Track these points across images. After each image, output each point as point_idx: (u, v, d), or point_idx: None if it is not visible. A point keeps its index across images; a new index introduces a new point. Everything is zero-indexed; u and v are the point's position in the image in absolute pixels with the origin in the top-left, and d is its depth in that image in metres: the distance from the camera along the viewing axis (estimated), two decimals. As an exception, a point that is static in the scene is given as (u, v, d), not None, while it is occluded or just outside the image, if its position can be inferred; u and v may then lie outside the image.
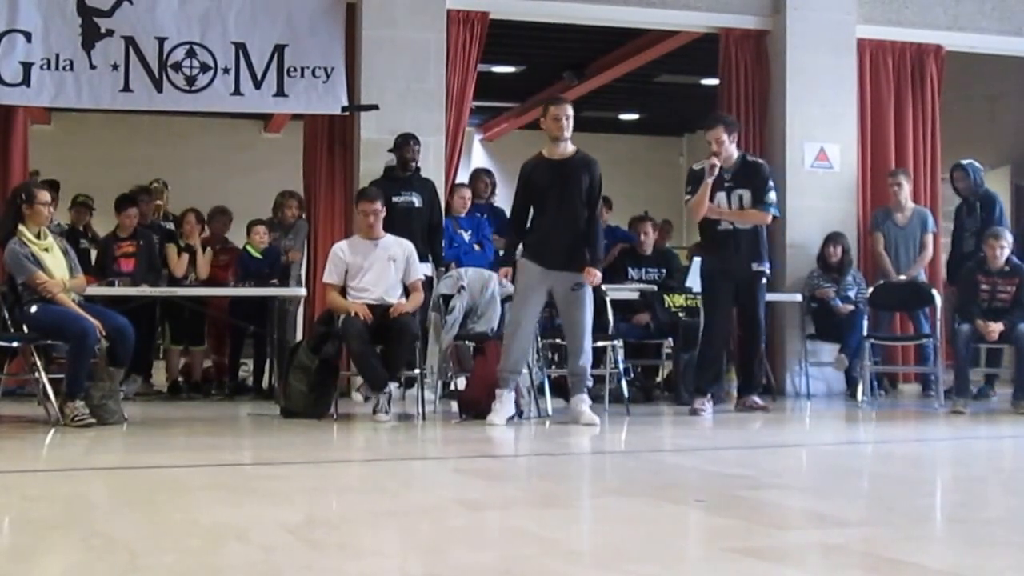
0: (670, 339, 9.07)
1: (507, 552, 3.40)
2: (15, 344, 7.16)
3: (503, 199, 9.52)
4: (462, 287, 7.98)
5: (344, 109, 9.23)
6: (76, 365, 6.78)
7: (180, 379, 9.46)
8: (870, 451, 6.70)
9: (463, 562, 3.23)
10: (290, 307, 9.40)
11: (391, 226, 7.79)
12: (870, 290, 9.31)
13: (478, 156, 17.19)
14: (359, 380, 7.87)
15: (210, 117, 13.94)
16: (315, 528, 3.77)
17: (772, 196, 8.00)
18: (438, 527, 3.83)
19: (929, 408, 8.76)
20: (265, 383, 9.41)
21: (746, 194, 7.93)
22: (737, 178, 7.96)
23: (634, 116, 17.59)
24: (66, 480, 5.17)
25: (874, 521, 4.03)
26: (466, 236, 9.27)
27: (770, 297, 9.71)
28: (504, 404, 7.10)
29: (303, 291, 9.12)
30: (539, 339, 7.69)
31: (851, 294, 9.45)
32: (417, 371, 7.63)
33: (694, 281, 9.29)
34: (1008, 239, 8.49)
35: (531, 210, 7.34)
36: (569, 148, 7.31)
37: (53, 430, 6.61)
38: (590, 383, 7.36)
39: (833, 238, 9.59)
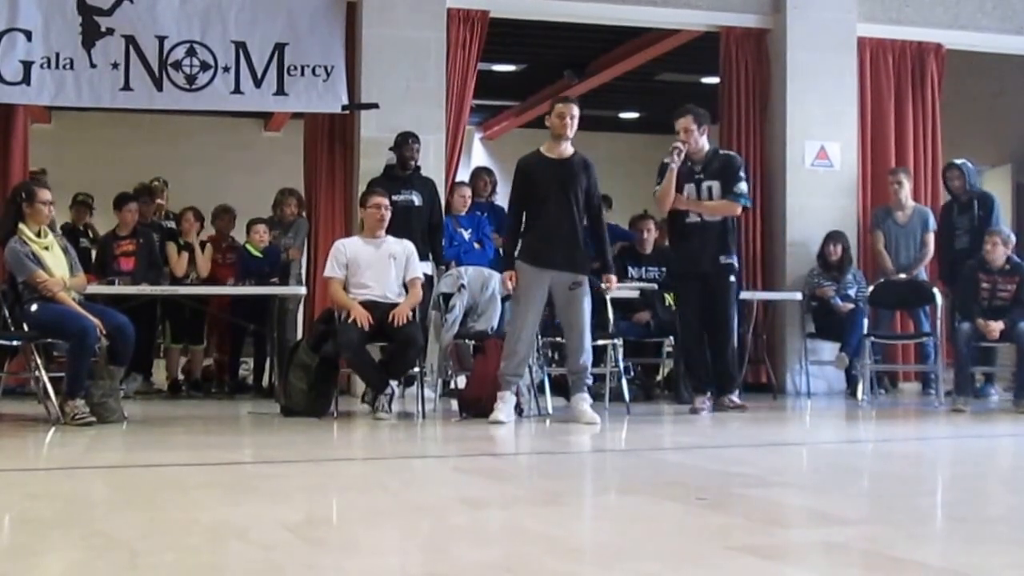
0: (670, 338, 9.06)
1: (508, 550, 3.40)
2: (15, 343, 7.16)
3: (503, 198, 9.51)
4: (462, 286, 7.98)
5: (344, 108, 9.23)
6: (76, 364, 6.78)
7: (180, 378, 9.47)
8: (871, 449, 6.70)
9: (464, 560, 3.22)
10: (290, 306, 9.40)
11: (391, 224, 7.79)
12: (870, 289, 9.31)
13: (478, 155, 17.19)
14: (361, 386, 7.85)
15: (210, 116, 13.93)
16: (315, 526, 3.77)
17: (743, 187, 7.91)
18: (439, 525, 3.83)
19: (929, 406, 8.76)
20: (265, 382, 9.43)
21: (715, 185, 7.86)
22: (708, 170, 7.89)
23: (634, 115, 17.58)
24: (66, 479, 5.17)
25: (875, 519, 4.03)
26: (466, 235, 9.27)
27: (770, 296, 9.77)
28: (507, 403, 7.10)
29: (303, 290, 9.12)
30: (539, 338, 7.68)
31: (851, 293, 9.45)
32: (417, 370, 7.62)
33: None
34: (1010, 238, 8.48)
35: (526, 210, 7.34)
36: (568, 148, 7.31)
37: (53, 428, 6.61)
38: (590, 381, 7.36)
39: (833, 237, 9.59)
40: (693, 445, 6.51)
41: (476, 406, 7.34)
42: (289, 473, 5.26)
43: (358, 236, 7.81)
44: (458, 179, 9.67)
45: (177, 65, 8.97)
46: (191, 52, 9.00)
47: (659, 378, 9.77)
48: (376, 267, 7.56)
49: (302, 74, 9.18)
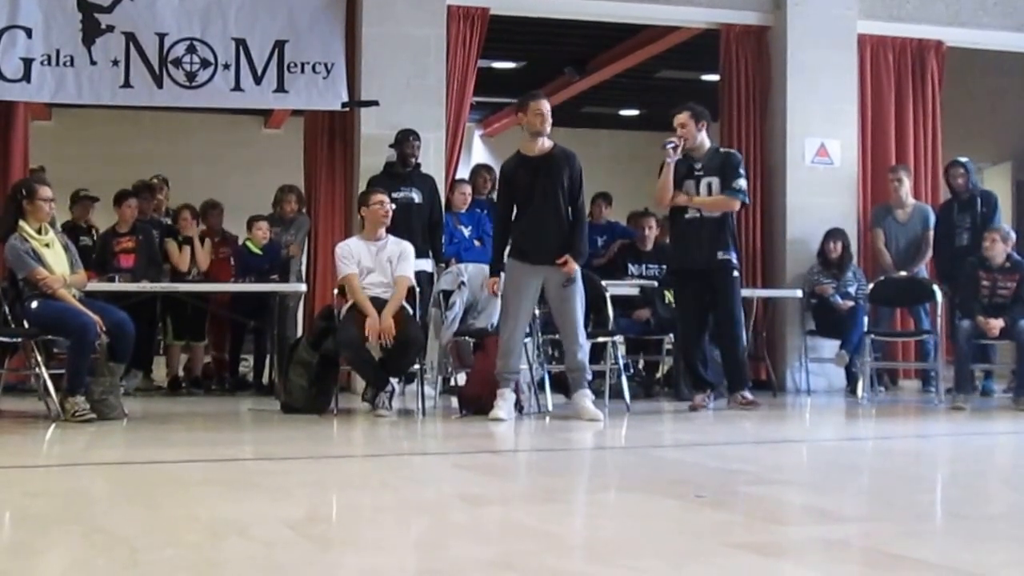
0: (670, 335, 9.07)
1: (508, 547, 3.40)
2: (16, 340, 7.16)
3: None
4: (462, 283, 7.98)
5: (344, 105, 9.24)
6: (77, 361, 6.79)
7: (181, 375, 9.48)
8: (870, 447, 6.70)
9: (463, 557, 3.23)
10: (290, 303, 9.40)
11: (391, 222, 7.78)
12: (870, 286, 9.30)
13: (478, 152, 17.18)
14: (362, 383, 7.85)
15: (210, 113, 13.94)
16: (315, 523, 3.77)
17: (741, 183, 7.88)
18: (438, 522, 3.83)
19: (929, 404, 8.77)
20: (265, 379, 9.43)
21: (715, 182, 7.83)
22: (708, 167, 7.87)
23: (635, 112, 17.58)
24: (66, 475, 5.18)
25: (875, 517, 4.03)
26: (466, 232, 9.27)
27: (770, 293, 9.77)
28: (507, 400, 7.10)
29: (303, 287, 9.11)
30: (539, 335, 7.69)
31: (851, 290, 9.46)
32: (417, 367, 7.63)
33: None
34: (1009, 235, 8.47)
35: (515, 209, 7.33)
36: (547, 143, 7.28)
37: (53, 425, 6.62)
38: (590, 377, 7.36)
39: (833, 234, 9.59)
40: (693, 442, 6.51)
41: (476, 403, 7.34)
42: (289, 470, 5.26)
43: (358, 238, 7.77)
44: (458, 177, 9.67)
45: (177, 62, 8.97)
46: (191, 49, 9.00)
47: (659, 375, 9.78)
48: (377, 271, 7.55)
49: (302, 71, 9.19)
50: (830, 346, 9.59)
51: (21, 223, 6.99)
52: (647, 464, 5.58)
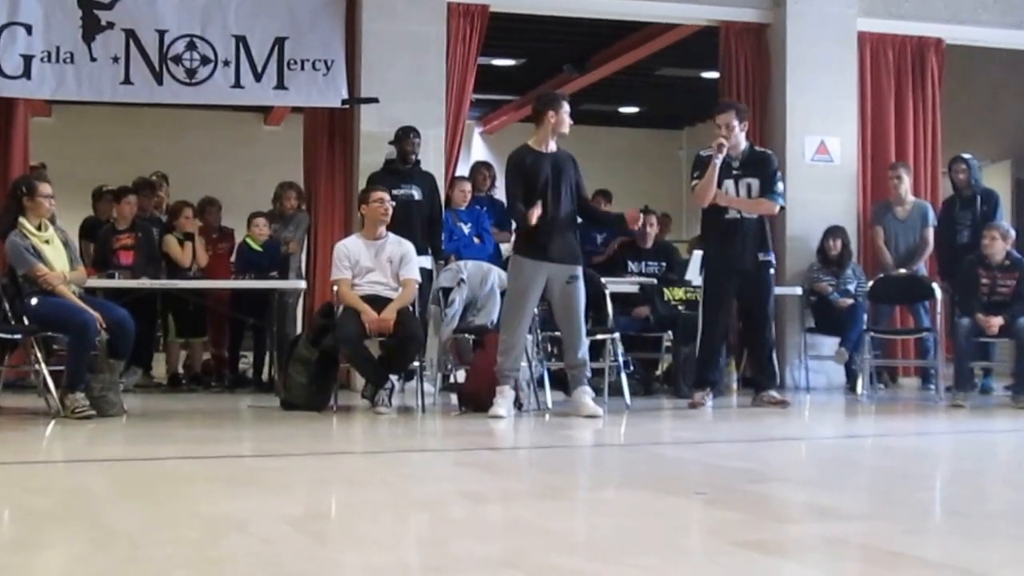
0: (670, 332, 9.07)
1: (508, 544, 3.40)
2: (16, 336, 7.16)
3: (503, 192, 9.52)
4: (462, 280, 7.98)
5: (344, 102, 9.23)
6: (76, 357, 6.79)
7: (180, 371, 9.48)
8: (870, 444, 6.70)
9: (463, 554, 3.23)
10: (290, 299, 9.40)
11: (391, 219, 7.78)
12: (870, 284, 9.30)
13: (478, 149, 17.19)
14: (361, 380, 7.85)
15: (210, 110, 13.92)
16: (315, 520, 3.78)
17: (781, 186, 7.95)
18: (438, 519, 3.83)
19: (929, 402, 8.77)
20: (265, 375, 9.43)
21: (754, 183, 7.85)
22: (746, 167, 7.88)
23: (634, 109, 17.58)
24: (66, 472, 5.18)
25: (874, 514, 4.04)
26: (466, 229, 9.27)
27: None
28: (506, 398, 7.10)
29: (303, 284, 9.12)
30: (539, 332, 7.69)
31: (851, 288, 9.46)
32: (417, 364, 7.63)
33: (694, 274, 9.28)
34: (1009, 232, 8.47)
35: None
36: (554, 144, 7.32)
37: (53, 422, 6.63)
38: (590, 374, 7.36)
39: (833, 231, 9.59)
40: (693, 440, 6.52)
41: (475, 400, 7.34)
42: (289, 467, 5.27)
43: (358, 236, 7.76)
44: (458, 173, 9.67)
45: (177, 59, 8.97)
46: (191, 46, 9.00)
47: (658, 372, 9.77)
48: (377, 270, 7.55)
49: (302, 68, 9.18)
50: (830, 343, 9.59)
51: (21, 219, 7.00)
52: (647, 461, 5.59)
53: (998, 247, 8.34)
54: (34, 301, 6.92)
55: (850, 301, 9.36)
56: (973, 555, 3.25)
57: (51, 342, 7.29)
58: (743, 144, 7.96)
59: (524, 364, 7.43)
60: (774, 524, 3.76)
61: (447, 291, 8.00)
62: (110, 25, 8.87)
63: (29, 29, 8.78)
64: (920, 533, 3.63)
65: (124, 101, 9.72)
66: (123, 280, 8.62)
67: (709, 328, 7.98)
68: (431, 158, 9.14)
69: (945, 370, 8.72)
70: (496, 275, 7.97)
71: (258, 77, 9.15)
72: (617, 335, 8.03)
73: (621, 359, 8.08)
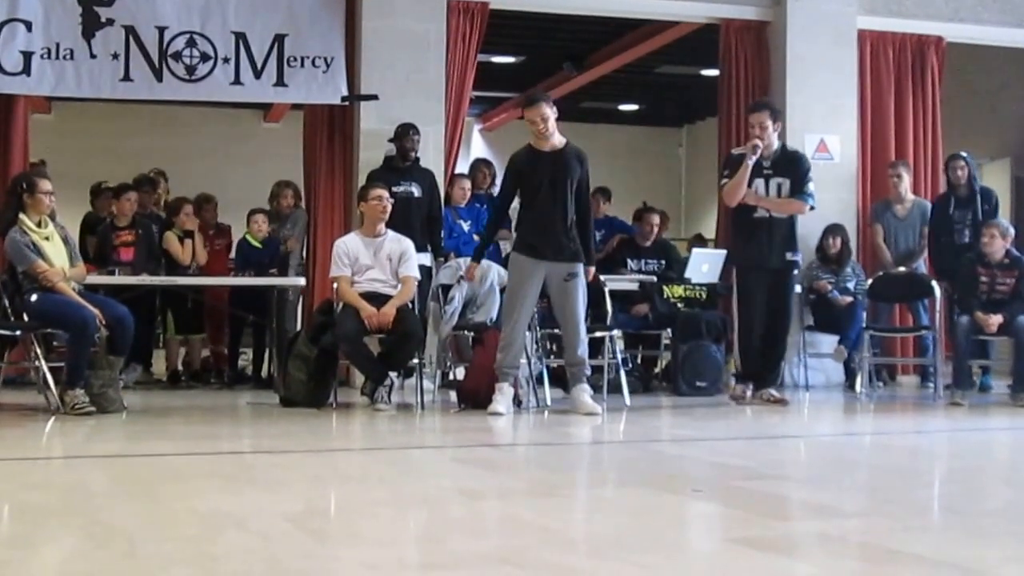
0: (669, 330, 9.08)
1: (506, 541, 3.41)
2: (16, 333, 7.17)
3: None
4: (461, 277, 7.98)
5: (344, 99, 9.23)
6: (76, 354, 6.80)
7: (180, 368, 9.48)
8: (868, 442, 6.71)
9: (462, 551, 3.23)
10: (289, 297, 9.41)
11: (391, 216, 7.78)
12: (869, 282, 9.31)
13: (477, 146, 17.19)
14: (361, 377, 7.85)
15: (210, 107, 13.92)
16: (314, 517, 3.78)
17: (812, 186, 7.88)
18: (437, 516, 3.84)
19: (928, 400, 8.77)
20: (264, 372, 9.43)
21: (785, 183, 7.82)
22: (777, 166, 7.85)
23: (634, 107, 17.59)
24: (66, 468, 5.19)
25: (872, 512, 4.04)
26: (465, 226, 9.28)
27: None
28: (505, 395, 7.11)
29: (302, 281, 9.12)
30: (538, 329, 7.69)
31: (850, 286, 9.46)
32: (416, 361, 7.63)
33: (693, 273, 9.30)
34: (1008, 230, 8.47)
35: (515, 202, 7.36)
36: (559, 140, 7.29)
37: (53, 418, 6.63)
38: (589, 372, 7.37)
39: (832, 230, 9.58)
40: (691, 437, 6.52)
41: (474, 397, 7.35)
42: (288, 463, 5.27)
43: (356, 233, 7.76)
44: (457, 171, 9.67)
45: (177, 56, 8.97)
46: (191, 43, 8.99)
47: (657, 370, 9.78)
48: (376, 268, 7.55)
49: (302, 65, 9.18)
50: (829, 341, 9.59)
51: (21, 216, 7.00)
52: (645, 459, 5.59)
53: (997, 245, 8.34)
54: (34, 298, 6.92)
55: (849, 299, 9.36)
56: (971, 553, 3.26)
57: (51, 339, 7.30)
58: (775, 144, 7.92)
59: (523, 361, 7.44)
60: (772, 521, 3.77)
61: (446, 288, 8.00)
62: (110, 22, 8.87)
63: (29, 26, 8.77)
64: (918, 531, 3.63)
65: (124, 98, 9.72)
66: (123, 277, 8.62)
67: (746, 327, 7.97)
68: (431, 155, 9.14)
69: (944, 368, 8.72)
70: (495, 272, 7.97)
71: (258, 74, 9.14)
72: (616, 333, 8.03)
73: (620, 357, 8.09)
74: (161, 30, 8.94)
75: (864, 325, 9.03)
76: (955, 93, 11.23)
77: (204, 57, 9.02)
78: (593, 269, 7.42)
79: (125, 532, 3.44)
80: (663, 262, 9.66)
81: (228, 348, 9.64)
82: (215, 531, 3.46)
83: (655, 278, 9.34)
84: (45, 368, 6.94)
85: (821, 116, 10.05)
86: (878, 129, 10.32)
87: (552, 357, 8.16)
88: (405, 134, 8.85)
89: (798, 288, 9.56)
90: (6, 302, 7.12)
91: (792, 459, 5.82)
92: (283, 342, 8.48)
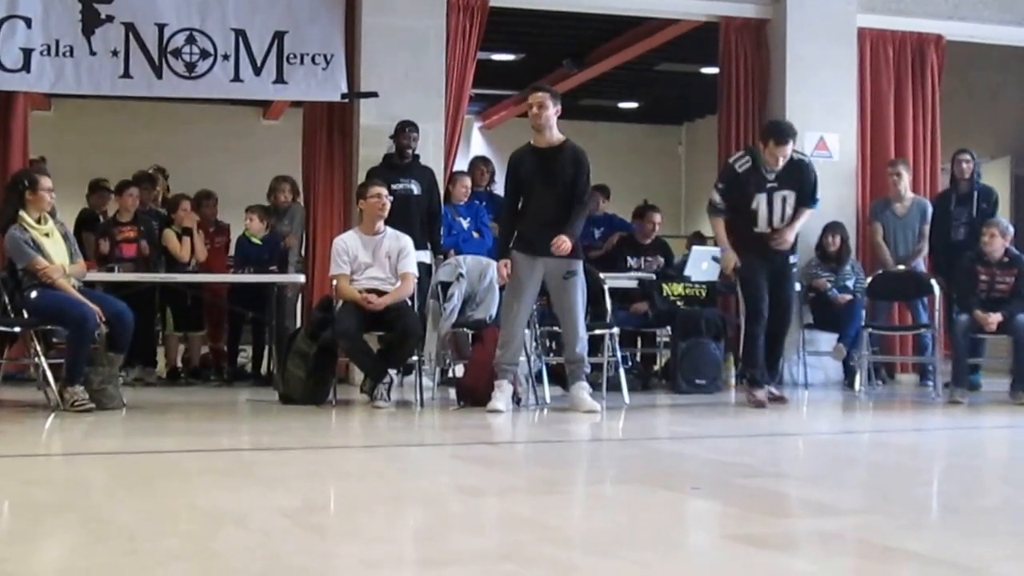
0: (668, 328, 9.08)
1: (505, 538, 3.42)
2: (15, 329, 7.17)
3: (502, 187, 9.53)
4: (460, 274, 7.99)
5: (343, 96, 9.23)
6: (76, 350, 6.80)
7: (179, 365, 9.49)
8: (867, 440, 6.71)
9: (461, 548, 3.24)
10: (289, 293, 9.41)
11: (390, 213, 7.78)
12: (868, 280, 9.31)
13: (477, 143, 17.19)
14: (360, 374, 7.85)
15: (209, 104, 13.92)
16: (313, 513, 3.78)
17: (818, 192, 7.75)
18: (436, 513, 3.84)
19: (926, 398, 8.77)
20: (264, 369, 9.43)
21: (791, 195, 7.57)
22: (782, 179, 7.57)
23: (633, 104, 17.58)
24: (65, 464, 5.19)
25: (871, 510, 4.04)
26: (465, 224, 9.28)
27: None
28: (504, 392, 7.11)
29: (302, 278, 9.13)
30: (537, 327, 7.70)
31: (849, 284, 9.46)
32: (415, 358, 7.64)
33: (692, 270, 9.31)
34: (1007, 229, 8.47)
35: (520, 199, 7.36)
36: (556, 137, 7.26)
37: (53, 415, 6.63)
38: (588, 370, 7.37)
39: (831, 228, 9.58)
40: (689, 435, 6.52)
41: (474, 394, 7.36)
42: (287, 460, 5.28)
43: (355, 231, 7.76)
44: (456, 168, 9.67)
45: (177, 53, 8.96)
46: (191, 40, 8.99)
47: (656, 368, 9.79)
48: (375, 265, 7.56)
49: (301, 62, 9.18)
50: (828, 339, 9.59)
51: (21, 213, 7.00)
52: (644, 456, 5.60)
53: (997, 244, 8.34)
54: (33, 294, 6.92)
55: (848, 297, 9.36)
56: (969, 551, 3.26)
57: (50, 335, 7.31)
58: (782, 162, 7.55)
59: (522, 359, 7.44)
60: (770, 519, 3.77)
61: (446, 285, 8.00)
62: (109, 19, 8.87)
63: (28, 22, 8.77)
64: (916, 528, 3.64)
65: (123, 95, 9.73)
66: (122, 274, 8.62)
67: (755, 322, 7.70)
68: (430, 152, 9.14)
69: (943, 367, 8.72)
70: (494, 270, 7.97)
71: (257, 71, 9.14)
72: (615, 330, 8.03)
73: (619, 354, 8.09)
74: (161, 27, 8.94)
75: (863, 323, 9.03)
76: (955, 91, 11.23)
77: (204, 54, 9.02)
78: (566, 239, 7.00)
79: (124, 528, 3.44)
80: (663, 260, 9.66)
81: (227, 345, 9.64)
82: (214, 527, 3.46)
83: (655, 276, 9.34)
84: (45, 364, 6.94)
85: (820, 114, 10.04)
86: (877, 127, 10.32)
87: (551, 354, 8.16)
88: (403, 131, 8.85)
89: (797, 286, 9.61)
90: (6, 299, 7.13)
91: (791, 457, 5.82)
92: (282, 339, 8.49)
